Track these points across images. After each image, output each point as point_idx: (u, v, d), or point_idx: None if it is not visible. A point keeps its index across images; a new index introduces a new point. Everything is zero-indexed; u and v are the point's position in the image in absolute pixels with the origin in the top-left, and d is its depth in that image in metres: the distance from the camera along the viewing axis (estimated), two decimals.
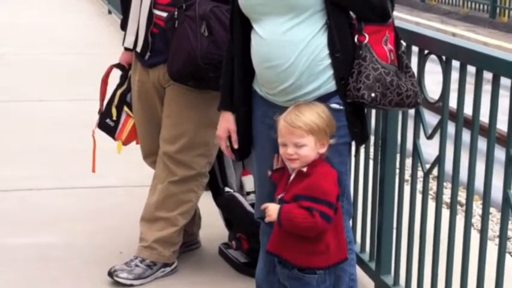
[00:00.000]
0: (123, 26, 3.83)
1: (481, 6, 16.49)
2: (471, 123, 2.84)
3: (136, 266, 3.74)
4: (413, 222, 3.29)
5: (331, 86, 2.82)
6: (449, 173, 3.00)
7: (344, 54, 2.79)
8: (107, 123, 3.94)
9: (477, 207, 5.39)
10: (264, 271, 3.15)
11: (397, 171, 3.43)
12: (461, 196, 5.12)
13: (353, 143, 2.97)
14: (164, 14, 3.54)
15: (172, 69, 3.48)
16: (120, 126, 3.94)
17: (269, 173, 2.95)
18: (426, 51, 3.10)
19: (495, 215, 5.52)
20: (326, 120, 2.75)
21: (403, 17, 15.25)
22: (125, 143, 3.97)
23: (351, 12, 2.82)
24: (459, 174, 2.97)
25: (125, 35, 3.80)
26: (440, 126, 3.00)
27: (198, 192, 3.78)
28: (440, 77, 2.99)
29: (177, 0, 3.47)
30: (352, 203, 3.21)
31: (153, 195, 3.78)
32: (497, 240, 2.93)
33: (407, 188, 3.33)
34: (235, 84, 3.05)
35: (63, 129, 6.48)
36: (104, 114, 3.94)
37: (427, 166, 3.12)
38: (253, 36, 2.91)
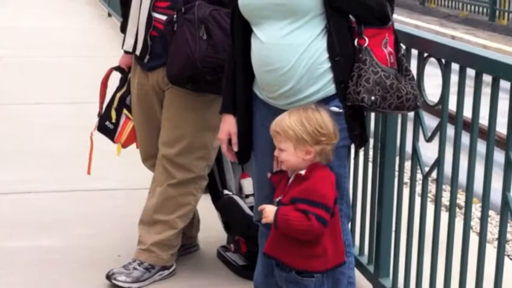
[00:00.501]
0: (123, 28, 3.84)
1: (481, 9, 16.51)
2: (470, 126, 2.84)
3: (135, 269, 3.74)
4: (412, 225, 3.28)
5: (331, 89, 2.82)
6: (448, 176, 3.00)
7: (344, 57, 2.79)
8: (107, 126, 3.94)
9: (476, 210, 5.39)
10: (262, 274, 3.14)
11: (396, 173, 3.43)
12: (460, 199, 5.11)
13: (352, 146, 2.97)
14: (163, 17, 3.54)
15: (171, 73, 3.48)
16: (119, 128, 3.94)
17: (269, 175, 2.95)
18: (426, 54, 3.10)
19: (494, 218, 5.52)
20: (308, 128, 2.71)
21: (402, 20, 15.26)
22: (124, 145, 3.97)
23: (351, 16, 2.82)
24: (458, 177, 2.97)
25: (124, 38, 3.80)
26: (440, 129, 3.00)
27: (197, 195, 3.77)
28: (439, 80, 2.99)
29: (176, 4, 3.47)
30: (351, 206, 3.20)
31: (152, 198, 3.77)
32: (496, 243, 2.93)
33: (406, 191, 3.32)
34: (236, 88, 3.05)
35: (62, 132, 6.48)
36: (104, 116, 3.95)
37: (426, 169, 3.12)
38: (253, 40, 2.92)
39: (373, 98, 2.75)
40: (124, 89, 3.93)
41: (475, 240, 2.91)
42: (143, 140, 3.86)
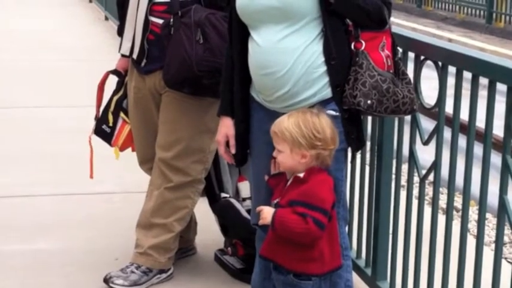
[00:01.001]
0: (120, 32, 3.83)
1: (478, 11, 16.51)
2: (467, 129, 2.84)
3: (132, 272, 3.73)
4: (409, 227, 3.28)
5: (327, 92, 2.83)
6: (445, 179, 3.00)
7: (340, 61, 2.79)
8: (103, 130, 3.94)
9: (473, 213, 5.39)
10: (259, 277, 3.14)
11: (393, 176, 3.43)
12: (458, 202, 5.11)
13: (349, 150, 2.97)
14: (160, 21, 3.54)
15: (167, 76, 3.48)
16: (116, 132, 3.94)
17: (266, 177, 2.95)
18: (422, 57, 3.10)
19: (491, 221, 5.52)
20: (304, 131, 2.70)
21: (399, 23, 15.27)
22: (121, 149, 3.97)
23: (348, 19, 2.82)
24: (455, 179, 2.97)
25: (121, 41, 3.80)
26: (437, 132, 3.01)
27: (194, 198, 3.77)
28: (436, 83, 2.99)
29: (173, 7, 3.47)
30: (348, 209, 3.21)
31: (149, 201, 3.77)
32: (493, 246, 2.93)
33: (403, 194, 3.32)
34: (234, 90, 3.05)
35: (59, 136, 6.47)
36: (101, 120, 3.94)
37: (423, 172, 3.12)
38: (250, 43, 2.92)
39: (369, 102, 2.75)
40: (121, 93, 3.92)
41: (472, 243, 2.91)
42: (140, 143, 3.85)
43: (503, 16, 15.74)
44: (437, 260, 3.09)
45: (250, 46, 2.92)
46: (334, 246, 2.83)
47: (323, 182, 2.75)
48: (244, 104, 3.04)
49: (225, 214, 3.89)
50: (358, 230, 3.68)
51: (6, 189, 5.18)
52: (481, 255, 2.84)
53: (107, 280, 3.71)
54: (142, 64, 3.66)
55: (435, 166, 3.04)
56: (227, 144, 3.11)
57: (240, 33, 2.97)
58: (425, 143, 3.08)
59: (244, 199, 3.95)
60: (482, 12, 16.29)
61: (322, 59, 2.80)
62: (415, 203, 3.24)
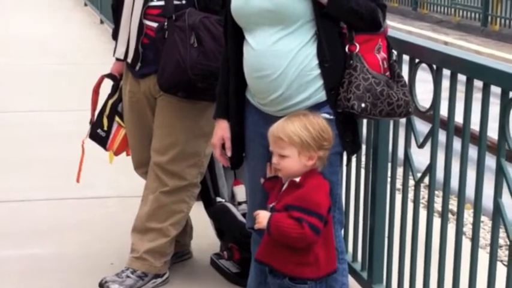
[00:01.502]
0: (115, 35, 3.83)
1: (473, 14, 16.55)
2: (462, 132, 2.84)
3: (128, 277, 3.72)
4: (405, 231, 3.28)
5: (321, 96, 2.82)
6: (440, 182, 2.99)
7: (334, 64, 2.79)
8: (98, 134, 3.93)
9: (469, 216, 5.39)
10: (255, 281, 3.14)
11: (389, 180, 3.43)
12: (453, 204, 5.11)
13: (344, 153, 2.96)
14: (154, 25, 3.54)
15: (162, 80, 3.47)
16: (111, 136, 3.93)
17: (262, 180, 2.95)
18: (417, 60, 3.10)
19: (487, 223, 5.52)
20: (312, 133, 2.72)
21: (395, 26, 15.28)
22: (116, 153, 3.96)
23: (342, 22, 2.82)
24: (450, 182, 2.97)
25: (116, 45, 3.79)
26: (432, 135, 3.00)
27: (190, 202, 3.77)
28: (431, 86, 2.99)
29: (167, 11, 3.47)
30: (344, 212, 3.20)
31: (144, 205, 3.76)
32: (488, 249, 2.93)
33: (398, 197, 3.32)
34: (229, 93, 3.04)
35: (54, 140, 6.47)
36: (95, 124, 3.93)
37: (419, 175, 3.12)
38: (245, 46, 2.92)
39: (363, 105, 2.75)
40: (116, 97, 3.91)
41: (467, 245, 2.91)
42: (135, 147, 3.85)
43: (498, 19, 15.78)
44: (433, 263, 3.09)
45: (245, 49, 2.92)
46: (330, 250, 2.83)
47: (319, 186, 2.75)
48: (240, 106, 3.03)
49: (221, 218, 3.88)
50: (354, 234, 3.68)
51: (1, 194, 5.17)
52: (476, 258, 2.84)
53: (102, 285, 3.70)
54: (137, 68, 3.65)
55: (430, 169, 3.03)
56: (223, 146, 3.11)
57: (235, 36, 2.97)
58: (420, 146, 3.08)
59: (239, 203, 3.94)
60: (477, 15, 16.33)
61: (315, 61, 2.79)
62: (410, 206, 3.23)
